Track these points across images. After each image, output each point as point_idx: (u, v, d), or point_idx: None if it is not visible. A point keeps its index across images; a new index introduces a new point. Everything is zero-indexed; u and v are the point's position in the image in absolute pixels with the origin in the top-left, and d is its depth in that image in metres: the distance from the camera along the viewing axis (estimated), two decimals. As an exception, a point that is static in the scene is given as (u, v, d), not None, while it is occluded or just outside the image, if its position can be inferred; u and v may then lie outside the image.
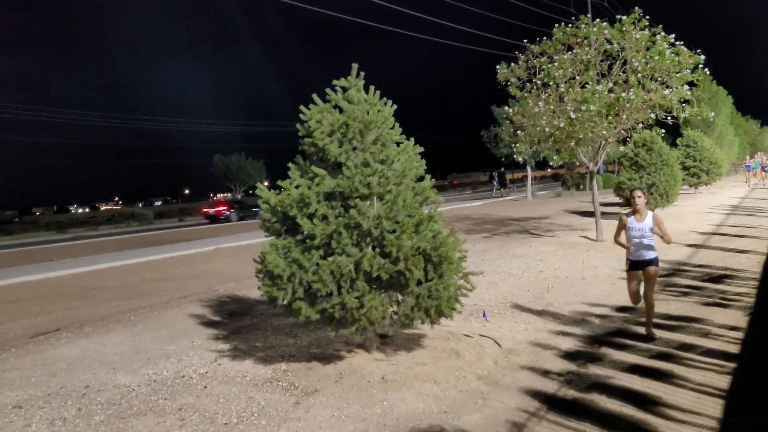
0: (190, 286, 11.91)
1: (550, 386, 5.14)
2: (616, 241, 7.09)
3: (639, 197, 6.49)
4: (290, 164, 5.97)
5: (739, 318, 6.83)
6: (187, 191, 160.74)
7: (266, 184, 6.32)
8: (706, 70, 12.73)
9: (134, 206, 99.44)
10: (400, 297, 5.69)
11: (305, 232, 5.52)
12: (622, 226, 6.75)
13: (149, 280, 13.43)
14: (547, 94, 13.51)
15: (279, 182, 5.81)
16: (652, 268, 6.46)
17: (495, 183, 53.23)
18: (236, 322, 8.15)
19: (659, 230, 6.39)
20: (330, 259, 5.48)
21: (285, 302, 5.52)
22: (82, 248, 25.63)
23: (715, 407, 4.45)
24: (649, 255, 6.46)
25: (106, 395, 5.54)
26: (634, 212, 6.55)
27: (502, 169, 48.45)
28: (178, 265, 16.19)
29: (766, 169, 37.10)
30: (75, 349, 7.33)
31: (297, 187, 5.65)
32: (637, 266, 6.57)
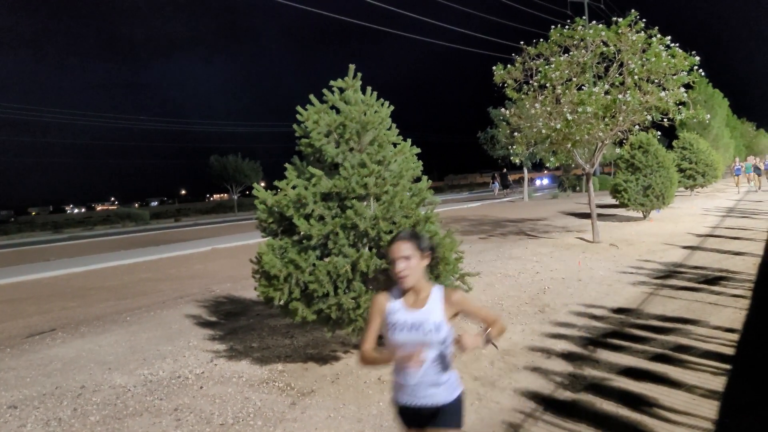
0: (186, 287, 11.90)
1: (546, 387, 5.15)
2: (365, 359, 2.83)
3: (405, 259, 2.71)
4: (287, 165, 5.97)
5: (734, 320, 6.84)
6: (183, 191, 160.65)
7: (263, 184, 6.32)
8: (702, 72, 12.77)
9: (130, 206, 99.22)
10: (396, 298, 5.68)
11: (302, 233, 5.52)
12: (377, 316, 2.82)
13: (145, 281, 13.41)
14: (543, 96, 13.51)
15: (276, 182, 5.81)
16: None
17: (496, 184, 53.39)
18: (232, 323, 8.14)
19: (473, 315, 2.87)
20: (326, 259, 5.48)
21: (281, 303, 5.52)
22: (78, 248, 25.57)
23: (710, 409, 4.46)
24: (439, 396, 2.80)
25: (101, 395, 5.53)
26: (403, 291, 2.81)
27: (504, 170, 48.58)
28: (175, 265, 16.17)
29: (759, 172, 33.47)
30: (70, 349, 7.32)
31: (294, 187, 5.66)
32: (412, 422, 2.85)
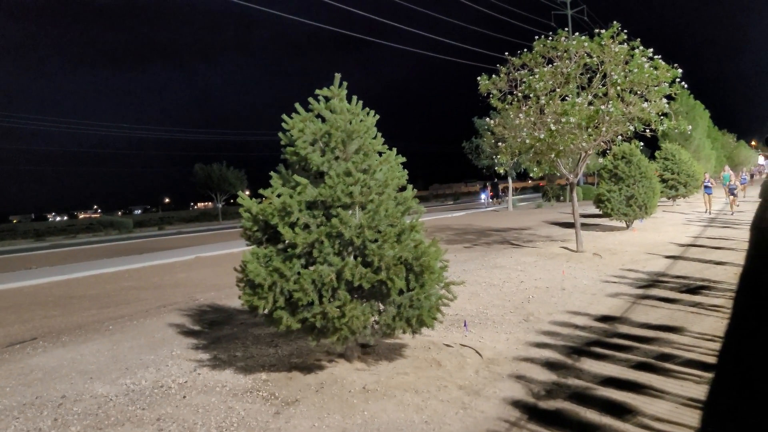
0: (169, 295, 11.81)
1: (530, 396, 5.16)
2: None
3: None
4: (272, 173, 5.96)
5: (716, 328, 6.91)
6: (167, 200, 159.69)
7: (247, 193, 6.30)
8: (684, 83, 12.94)
9: (113, 215, 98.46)
10: (381, 306, 5.69)
11: (287, 241, 5.51)
12: None
13: (128, 289, 13.29)
14: (527, 106, 13.62)
15: (261, 191, 5.81)
16: None
17: (485, 194, 53.54)
18: (216, 332, 8.09)
19: None
20: (311, 268, 5.47)
21: (266, 311, 5.50)
22: (60, 256, 25.32)
23: (693, 417, 4.49)
24: None
25: (82, 405, 5.46)
26: None
27: (495, 180, 48.96)
28: (158, 273, 16.05)
29: (735, 191, 25.20)
30: (51, 359, 7.23)
31: (279, 195, 5.65)
32: None
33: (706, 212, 24.46)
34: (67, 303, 11.83)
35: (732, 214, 22.41)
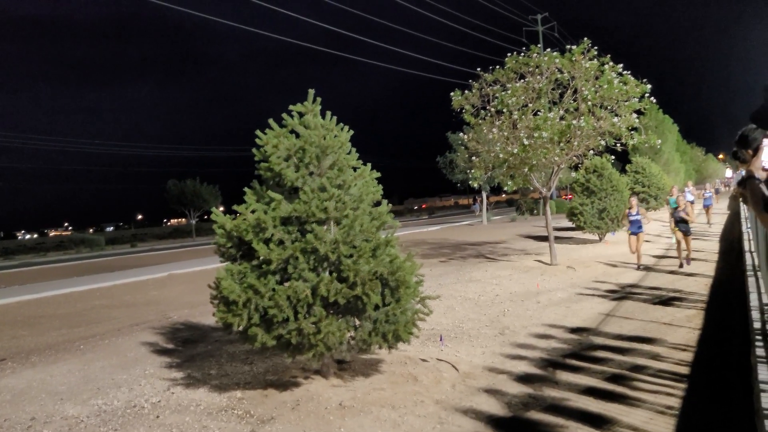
0: (142, 314, 11.65)
1: (507, 409, 5.17)
2: None
3: None
4: (246, 189, 5.93)
5: (689, 339, 7.00)
6: (140, 216, 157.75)
7: (221, 209, 6.26)
8: (653, 98, 13.20)
9: (85, 232, 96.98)
10: (357, 322, 5.68)
11: (261, 257, 5.48)
12: None
13: (100, 308, 13.09)
14: (500, 121, 13.77)
15: (235, 207, 5.77)
16: None
17: (477, 206, 55.38)
18: (190, 350, 7.99)
19: None
20: (286, 284, 5.45)
21: (240, 328, 5.45)
22: (29, 275, 24.86)
23: (667, 427, 4.53)
24: None
25: (52, 427, 5.35)
26: None
27: (483, 194, 50.11)
28: (130, 291, 15.83)
29: (686, 229, 12.71)
30: (20, 380, 7.07)
31: (253, 211, 5.62)
32: None
33: (638, 267, 13.45)
34: (37, 322, 11.61)
35: (684, 265, 12.79)
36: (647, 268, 12.83)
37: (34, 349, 8.92)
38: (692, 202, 20.28)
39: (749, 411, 4.36)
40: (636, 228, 13.37)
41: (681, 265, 12.69)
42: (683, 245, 12.89)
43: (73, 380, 6.91)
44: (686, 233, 12.75)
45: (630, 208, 13.76)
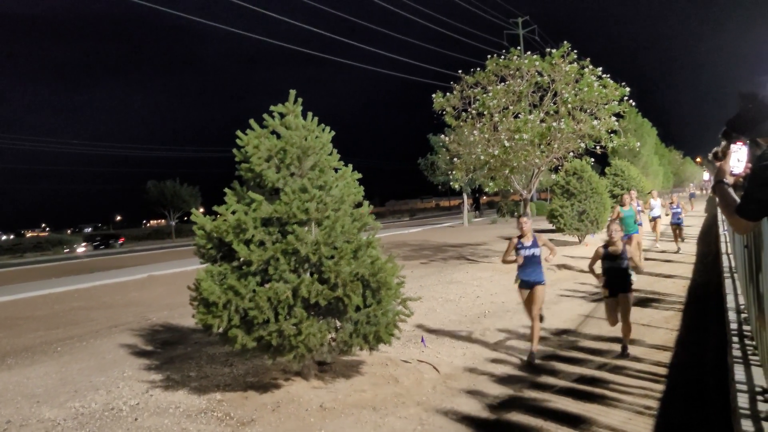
0: (121, 315, 11.53)
1: (487, 410, 5.19)
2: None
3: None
4: (227, 190, 5.89)
5: (667, 340, 7.08)
6: (119, 217, 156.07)
7: (202, 210, 6.21)
8: (632, 102, 13.35)
9: (63, 233, 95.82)
10: (338, 323, 5.67)
11: (242, 259, 5.45)
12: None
13: (78, 309, 12.93)
14: (481, 123, 13.84)
15: (215, 208, 5.73)
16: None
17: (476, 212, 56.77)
18: (169, 352, 7.91)
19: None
20: (267, 285, 5.42)
21: (220, 330, 5.41)
22: (6, 276, 24.52)
23: (645, 427, 4.57)
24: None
25: (28, 430, 5.27)
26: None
27: (477, 195, 50.51)
28: (109, 293, 15.67)
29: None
30: (-5, 383, 6.96)
31: (233, 212, 5.59)
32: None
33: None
34: (13, 324, 11.44)
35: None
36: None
37: (10, 352, 8.79)
38: (658, 218, 17.03)
39: (726, 411, 4.41)
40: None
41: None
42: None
43: (50, 383, 6.81)
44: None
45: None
